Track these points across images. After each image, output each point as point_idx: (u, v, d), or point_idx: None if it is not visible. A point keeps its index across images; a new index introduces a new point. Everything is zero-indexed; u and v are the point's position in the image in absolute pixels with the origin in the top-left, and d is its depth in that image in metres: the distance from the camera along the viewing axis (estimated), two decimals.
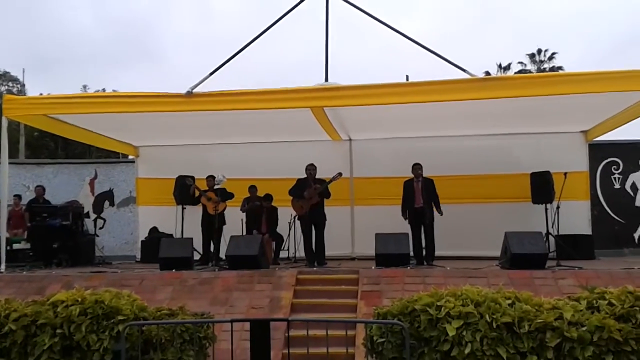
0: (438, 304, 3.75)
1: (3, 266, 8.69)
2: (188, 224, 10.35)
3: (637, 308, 3.74)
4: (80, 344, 3.89)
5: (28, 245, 10.64)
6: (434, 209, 9.11)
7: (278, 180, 10.66)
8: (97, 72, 56.90)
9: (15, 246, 10.60)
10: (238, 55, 9.17)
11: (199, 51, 61.42)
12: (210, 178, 10.27)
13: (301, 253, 9.78)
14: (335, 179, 9.23)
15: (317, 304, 7.14)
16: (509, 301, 3.85)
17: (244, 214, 10.51)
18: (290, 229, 10.09)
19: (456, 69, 8.48)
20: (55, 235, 10.04)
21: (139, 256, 11.77)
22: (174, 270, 8.16)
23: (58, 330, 3.92)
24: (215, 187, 9.73)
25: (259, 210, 10.41)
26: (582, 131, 10.79)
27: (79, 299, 4.00)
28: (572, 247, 9.28)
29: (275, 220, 10.41)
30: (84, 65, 57.45)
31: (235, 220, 10.33)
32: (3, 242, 8.87)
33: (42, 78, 52.36)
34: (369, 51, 59.37)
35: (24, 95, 26.93)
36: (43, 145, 30.75)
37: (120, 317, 3.94)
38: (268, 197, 10.47)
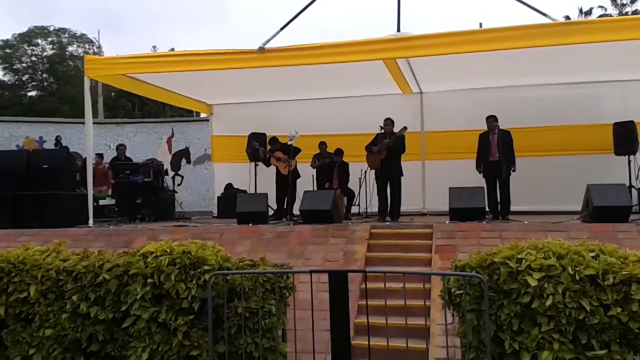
0: (518, 256, 3.70)
1: (91, 221, 9.20)
2: (261, 179, 10.58)
3: None
4: (169, 292, 4.09)
5: (113, 201, 11.22)
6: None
7: (348, 136, 10.71)
8: (164, 30, 58.03)
9: (101, 202, 11.19)
10: (307, 12, 9.11)
11: (263, 8, 61.37)
12: (273, 141, 10.39)
13: (372, 209, 9.83)
14: (401, 132, 9.12)
15: (390, 258, 7.20)
16: (593, 254, 3.75)
17: (315, 170, 10.62)
18: (361, 185, 10.13)
19: (535, 13, 8.09)
20: (138, 192, 10.50)
21: (215, 211, 12.18)
22: (250, 225, 8.42)
23: (149, 280, 4.13)
24: (289, 142, 9.84)
25: (330, 166, 10.47)
26: None
27: (168, 250, 4.19)
28: None
29: (346, 175, 10.44)
30: (151, 23, 58.55)
31: (306, 176, 10.46)
32: (90, 198, 9.38)
33: (113, 38, 53.96)
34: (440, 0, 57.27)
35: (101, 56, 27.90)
36: (120, 105, 31.89)
37: (206, 267, 4.11)
38: (339, 152, 10.50)
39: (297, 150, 10.20)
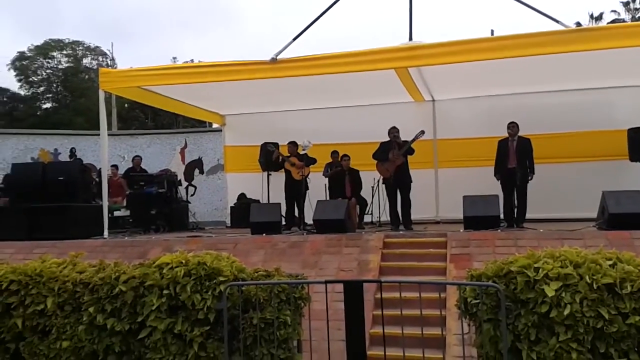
0: (535, 265, 3.67)
1: (106, 232, 9.26)
2: (274, 189, 10.60)
3: None
4: (185, 304, 4.10)
5: (127, 213, 11.29)
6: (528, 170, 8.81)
7: (360, 145, 10.67)
8: (177, 39, 58.54)
9: (116, 213, 11.27)
10: (319, 20, 9.14)
11: (276, 16, 61.85)
12: (292, 144, 10.41)
13: (385, 217, 9.81)
14: (418, 137, 9.11)
15: (405, 267, 7.18)
16: (610, 262, 3.72)
17: (327, 179, 10.61)
18: (374, 193, 10.11)
19: (547, 19, 8.07)
20: (153, 203, 10.57)
21: (229, 221, 12.21)
22: (264, 235, 8.43)
23: (165, 291, 4.14)
24: (302, 152, 9.85)
25: (342, 174, 10.45)
26: None
27: (183, 261, 4.19)
28: None
29: (358, 183, 10.40)
30: (159, 30, 59.06)
31: (318, 186, 10.46)
32: (105, 209, 9.45)
33: (123, 46, 54.64)
34: (452, 6, 57.43)
35: (115, 68, 28.21)
36: (133, 116, 32.15)
37: (221, 278, 4.11)
38: (345, 157, 10.43)
39: (313, 160, 10.21)
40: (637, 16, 34.54)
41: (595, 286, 3.56)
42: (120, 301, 4.29)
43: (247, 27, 62.69)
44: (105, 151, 9.75)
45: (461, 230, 7.93)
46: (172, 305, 4.16)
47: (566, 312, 3.50)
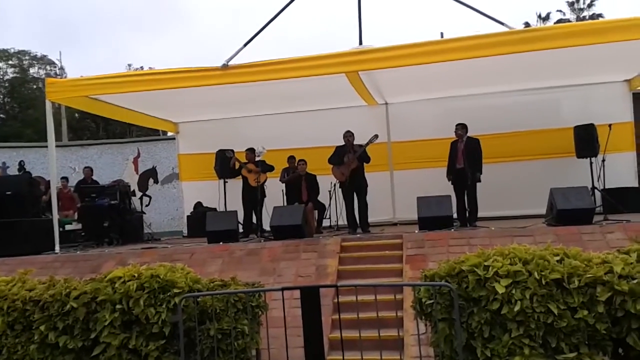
0: (486, 263, 3.75)
1: (58, 247, 9.01)
2: (230, 197, 10.52)
3: None
4: (139, 318, 4.04)
5: (79, 226, 11.01)
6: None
7: (316, 149, 10.69)
8: (132, 44, 57.51)
9: (67, 227, 10.97)
10: (270, 25, 9.12)
11: (229, 15, 61.46)
12: (250, 151, 10.36)
13: (343, 221, 9.85)
14: (372, 141, 9.17)
15: (362, 270, 7.21)
16: (558, 257, 3.83)
17: (284, 185, 10.58)
18: (331, 197, 10.13)
19: (494, 22, 8.24)
20: (105, 215, 10.30)
21: (185, 231, 12.05)
22: (221, 243, 8.35)
23: (117, 306, 4.07)
24: (256, 159, 9.82)
25: (299, 179, 10.45)
26: (625, 80, 10.43)
27: (136, 275, 4.14)
28: (619, 201, 9.06)
29: (316, 189, 10.41)
30: (119, 39, 57.88)
31: (275, 192, 10.43)
32: (56, 223, 9.19)
33: (73, 51, 53.35)
34: (402, 11, 58.27)
35: (63, 77, 27.54)
36: (85, 126, 31.43)
37: (176, 290, 4.07)
38: (301, 162, 10.41)
39: (270, 168, 10.20)
40: (581, 16, 35.73)
41: (544, 282, 3.65)
42: (72, 318, 4.20)
43: (204, 29, 62.19)
44: (53, 163, 9.48)
45: (416, 231, 8.02)
46: (126, 320, 4.10)
47: (517, 308, 3.59)
